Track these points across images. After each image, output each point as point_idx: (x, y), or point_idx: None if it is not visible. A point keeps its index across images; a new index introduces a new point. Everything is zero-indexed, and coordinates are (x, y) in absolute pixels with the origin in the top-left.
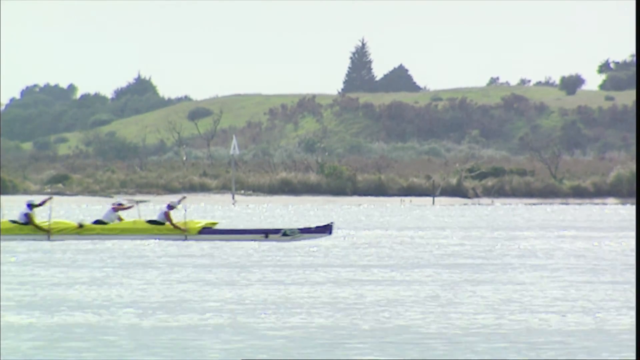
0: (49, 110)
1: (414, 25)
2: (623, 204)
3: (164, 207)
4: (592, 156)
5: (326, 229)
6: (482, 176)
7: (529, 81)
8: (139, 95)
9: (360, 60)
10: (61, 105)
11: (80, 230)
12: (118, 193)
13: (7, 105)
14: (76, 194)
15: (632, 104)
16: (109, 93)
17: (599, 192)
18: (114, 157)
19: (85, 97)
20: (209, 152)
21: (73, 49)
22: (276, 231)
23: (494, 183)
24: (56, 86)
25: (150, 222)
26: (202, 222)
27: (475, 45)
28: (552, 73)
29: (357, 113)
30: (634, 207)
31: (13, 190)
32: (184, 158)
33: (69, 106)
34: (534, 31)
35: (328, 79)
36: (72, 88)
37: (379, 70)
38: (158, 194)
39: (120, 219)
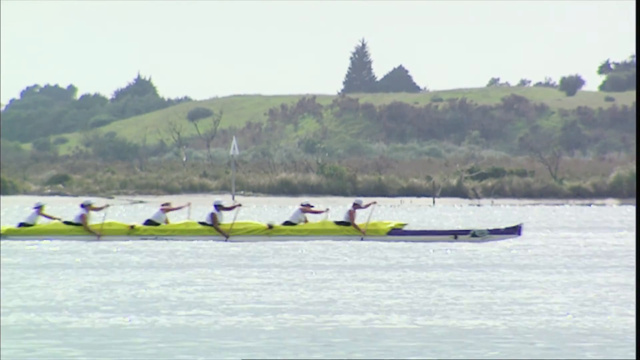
0: (48, 110)
1: (414, 25)
2: (623, 204)
3: (348, 206)
4: (592, 157)
5: (515, 230)
6: (482, 177)
7: (529, 82)
8: (139, 95)
9: (360, 60)
10: (61, 106)
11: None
12: (118, 194)
13: (7, 106)
14: (76, 195)
15: (632, 104)
16: (108, 94)
17: (599, 193)
18: (113, 158)
19: (85, 97)
20: (208, 152)
21: (73, 49)
22: (465, 232)
23: (494, 184)
24: (56, 87)
25: (338, 223)
26: (391, 223)
27: (475, 46)
28: (552, 74)
29: (357, 113)
30: (634, 208)
31: (13, 190)
32: (184, 159)
33: (69, 107)
34: (534, 31)
35: (328, 79)
36: (72, 88)
37: (379, 70)
38: (158, 194)
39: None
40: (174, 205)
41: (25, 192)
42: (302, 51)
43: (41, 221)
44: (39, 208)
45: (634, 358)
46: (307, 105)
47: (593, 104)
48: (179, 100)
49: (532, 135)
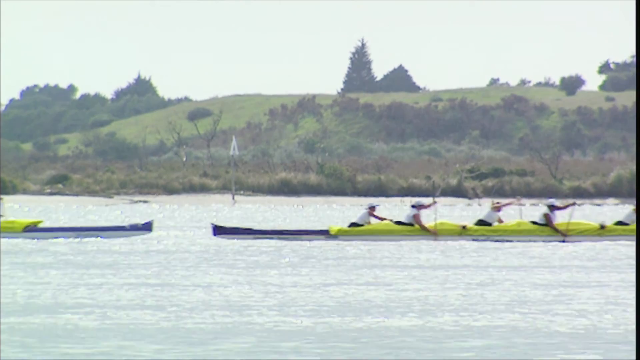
0: (48, 110)
1: (414, 25)
2: (623, 204)
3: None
4: (592, 157)
5: None
6: (482, 177)
7: (529, 82)
8: (139, 95)
9: (360, 60)
10: (61, 106)
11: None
12: (118, 194)
13: (7, 106)
14: (76, 194)
15: (632, 104)
16: (108, 93)
17: (599, 193)
18: (113, 158)
19: (85, 97)
20: (209, 152)
21: (73, 49)
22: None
23: (494, 183)
24: (56, 86)
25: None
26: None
27: (475, 46)
28: (552, 73)
29: (357, 113)
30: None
31: (13, 190)
32: (184, 158)
33: (69, 107)
34: (534, 31)
35: (328, 79)
36: (72, 88)
37: (379, 70)
38: (158, 194)
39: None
40: (503, 203)
41: (25, 192)
42: (302, 51)
43: (373, 221)
44: (371, 208)
45: (634, 358)
46: (307, 105)
47: (593, 104)
48: (179, 100)
49: (532, 135)
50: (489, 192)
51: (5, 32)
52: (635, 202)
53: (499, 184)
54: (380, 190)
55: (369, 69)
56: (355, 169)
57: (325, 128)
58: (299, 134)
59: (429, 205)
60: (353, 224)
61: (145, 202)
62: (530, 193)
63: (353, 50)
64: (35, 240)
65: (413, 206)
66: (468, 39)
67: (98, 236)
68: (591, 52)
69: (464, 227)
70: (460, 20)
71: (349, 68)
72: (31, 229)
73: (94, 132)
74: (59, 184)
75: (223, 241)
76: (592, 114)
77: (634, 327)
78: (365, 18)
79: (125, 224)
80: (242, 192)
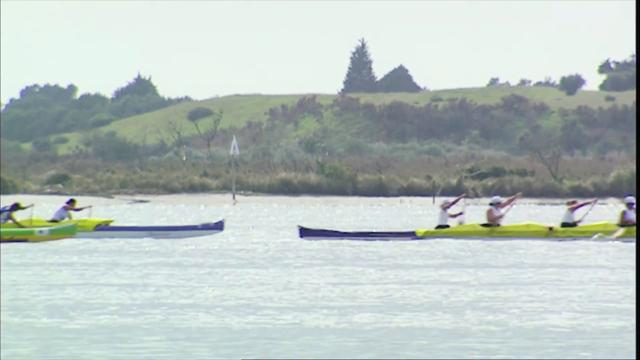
0: (48, 110)
1: (414, 25)
2: (623, 204)
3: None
4: (592, 156)
5: None
6: (483, 176)
7: (529, 81)
8: (139, 95)
9: (360, 60)
10: (61, 106)
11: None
12: (118, 193)
13: (7, 106)
14: (76, 194)
15: (632, 104)
16: (108, 93)
17: (599, 193)
18: (114, 157)
19: (85, 97)
20: (209, 152)
21: (73, 49)
22: None
23: (494, 183)
24: (56, 86)
25: None
26: None
27: (475, 45)
28: (552, 73)
29: (358, 113)
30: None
31: (13, 190)
32: (184, 158)
33: (69, 106)
34: (534, 31)
35: (328, 79)
36: (72, 88)
37: (379, 70)
38: (158, 194)
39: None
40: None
41: (25, 192)
42: (302, 51)
43: (455, 223)
44: (445, 204)
45: (634, 358)
46: (307, 104)
47: (593, 104)
48: (179, 100)
49: (532, 134)
50: (489, 192)
51: (5, 32)
52: (635, 202)
53: (499, 184)
54: (381, 190)
55: (369, 69)
56: (355, 169)
57: (326, 128)
58: (299, 133)
59: (507, 203)
60: (439, 226)
61: (145, 202)
62: (530, 193)
63: (353, 50)
64: (107, 239)
65: (491, 204)
66: (468, 39)
67: (169, 236)
68: (591, 52)
69: (550, 228)
70: (460, 20)
71: (349, 68)
72: (102, 228)
73: (94, 132)
74: (59, 184)
75: (315, 243)
76: (592, 113)
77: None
78: (365, 18)
79: (197, 223)
80: (242, 191)
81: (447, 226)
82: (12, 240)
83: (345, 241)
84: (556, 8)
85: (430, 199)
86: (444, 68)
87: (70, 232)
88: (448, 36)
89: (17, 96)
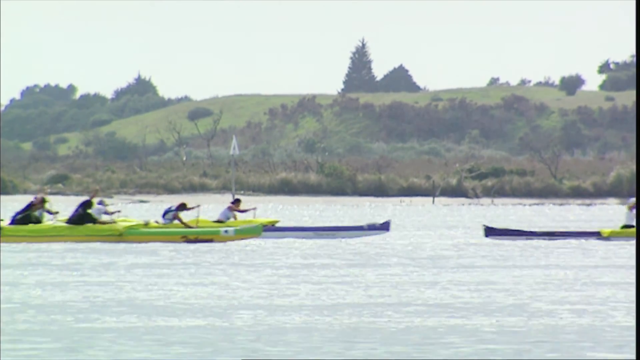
0: (48, 110)
1: (414, 25)
2: (623, 204)
3: None
4: (592, 156)
5: None
6: (482, 176)
7: (529, 81)
8: (139, 95)
9: (360, 60)
10: (61, 106)
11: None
12: (118, 193)
13: (7, 106)
14: (76, 194)
15: (632, 104)
16: (108, 93)
17: (599, 193)
18: (113, 157)
19: (85, 97)
20: (209, 152)
21: (73, 49)
22: None
23: (494, 183)
24: (56, 86)
25: None
26: None
27: (475, 45)
28: (552, 73)
29: (357, 113)
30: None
31: (13, 190)
32: (184, 158)
33: (69, 106)
34: (534, 31)
35: (328, 79)
36: (72, 88)
37: (379, 70)
38: (158, 194)
39: None
40: None
41: (25, 192)
42: (302, 51)
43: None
44: (631, 203)
45: (634, 358)
46: (307, 104)
47: (593, 104)
48: (179, 100)
49: (532, 134)
50: (488, 192)
51: (5, 32)
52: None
53: (498, 184)
54: (381, 190)
55: (369, 69)
56: (355, 169)
57: (326, 128)
58: (299, 133)
59: None
60: (625, 226)
61: (145, 202)
62: (530, 193)
63: (353, 50)
64: (273, 240)
65: None
66: (468, 39)
67: (336, 236)
68: (591, 52)
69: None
70: (460, 20)
71: (349, 68)
72: (268, 229)
73: (94, 132)
74: (59, 184)
75: (505, 242)
76: (592, 113)
77: (633, 326)
78: (365, 18)
79: (362, 223)
80: (242, 191)
81: (632, 226)
82: (198, 240)
83: (534, 241)
84: (556, 8)
85: (429, 199)
86: (444, 68)
87: (256, 232)
88: (448, 36)
89: (17, 96)
